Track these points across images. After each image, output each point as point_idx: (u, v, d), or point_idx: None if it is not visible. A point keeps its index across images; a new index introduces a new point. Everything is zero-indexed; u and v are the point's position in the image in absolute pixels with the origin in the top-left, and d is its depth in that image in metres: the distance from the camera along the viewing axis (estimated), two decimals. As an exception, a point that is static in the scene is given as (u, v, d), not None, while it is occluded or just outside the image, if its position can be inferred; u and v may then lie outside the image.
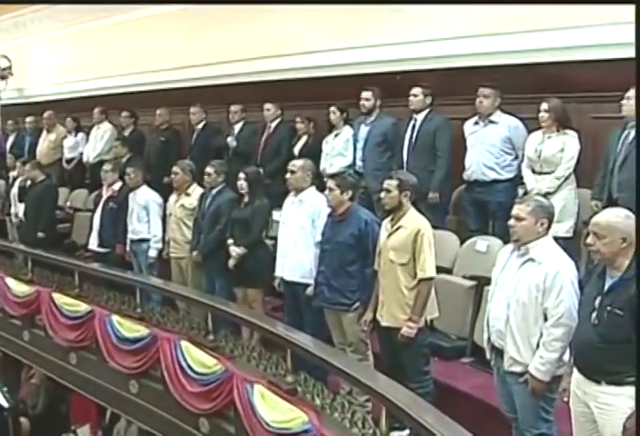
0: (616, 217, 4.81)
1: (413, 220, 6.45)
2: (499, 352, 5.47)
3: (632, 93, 6.88)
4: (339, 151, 9.18)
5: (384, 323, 6.50)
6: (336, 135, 9.29)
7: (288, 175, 7.55)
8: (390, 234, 6.50)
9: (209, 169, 8.54)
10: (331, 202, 7.02)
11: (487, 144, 7.91)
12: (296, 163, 7.60)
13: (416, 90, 8.44)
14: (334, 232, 7.01)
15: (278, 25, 10.36)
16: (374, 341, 6.95)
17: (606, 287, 4.81)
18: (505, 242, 6.13)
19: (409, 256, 6.35)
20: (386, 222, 6.62)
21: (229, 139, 10.18)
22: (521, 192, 7.57)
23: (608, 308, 4.72)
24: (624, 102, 6.98)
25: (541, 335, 5.20)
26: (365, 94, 8.90)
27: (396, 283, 6.39)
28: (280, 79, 10.31)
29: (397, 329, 6.34)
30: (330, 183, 7.00)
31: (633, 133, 6.94)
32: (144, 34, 12.36)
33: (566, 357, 5.17)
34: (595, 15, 7.45)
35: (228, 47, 10.93)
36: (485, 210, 7.99)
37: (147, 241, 9.27)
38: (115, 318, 8.20)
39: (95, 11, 13.07)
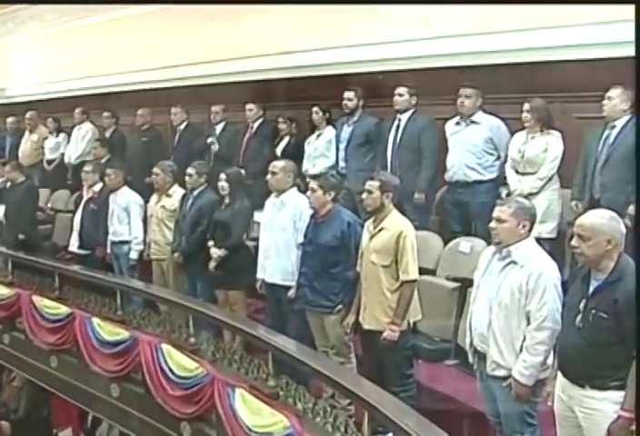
0: (601, 219, 4.76)
1: (395, 221, 6.40)
2: (482, 356, 5.41)
3: (613, 92, 6.89)
4: (322, 151, 9.12)
5: (366, 326, 6.44)
6: (319, 136, 9.23)
7: (269, 177, 7.49)
8: (372, 236, 6.44)
9: (190, 170, 8.48)
10: (313, 203, 6.97)
11: (469, 145, 7.85)
12: (277, 165, 7.54)
13: (402, 90, 8.38)
14: (316, 233, 6.95)
15: (260, 26, 10.28)
16: (356, 343, 6.91)
17: (591, 290, 4.76)
18: (489, 243, 6.05)
19: (391, 258, 6.30)
20: (369, 224, 6.56)
21: (210, 140, 10.09)
22: (504, 192, 7.54)
23: (593, 311, 4.67)
24: (605, 102, 6.97)
25: (524, 339, 5.15)
26: (348, 95, 8.85)
27: (379, 286, 6.33)
28: (262, 79, 10.25)
29: (380, 332, 6.29)
30: (312, 184, 6.95)
31: (614, 133, 6.94)
32: (125, 34, 12.27)
33: (550, 360, 5.13)
34: (578, 15, 7.41)
35: (210, 47, 10.86)
36: (467, 211, 7.93)
37: (128, 243, 9.20)
38: (96, 321, 8.14)
39: (76, 11, 12.97)
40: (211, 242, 8.04)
